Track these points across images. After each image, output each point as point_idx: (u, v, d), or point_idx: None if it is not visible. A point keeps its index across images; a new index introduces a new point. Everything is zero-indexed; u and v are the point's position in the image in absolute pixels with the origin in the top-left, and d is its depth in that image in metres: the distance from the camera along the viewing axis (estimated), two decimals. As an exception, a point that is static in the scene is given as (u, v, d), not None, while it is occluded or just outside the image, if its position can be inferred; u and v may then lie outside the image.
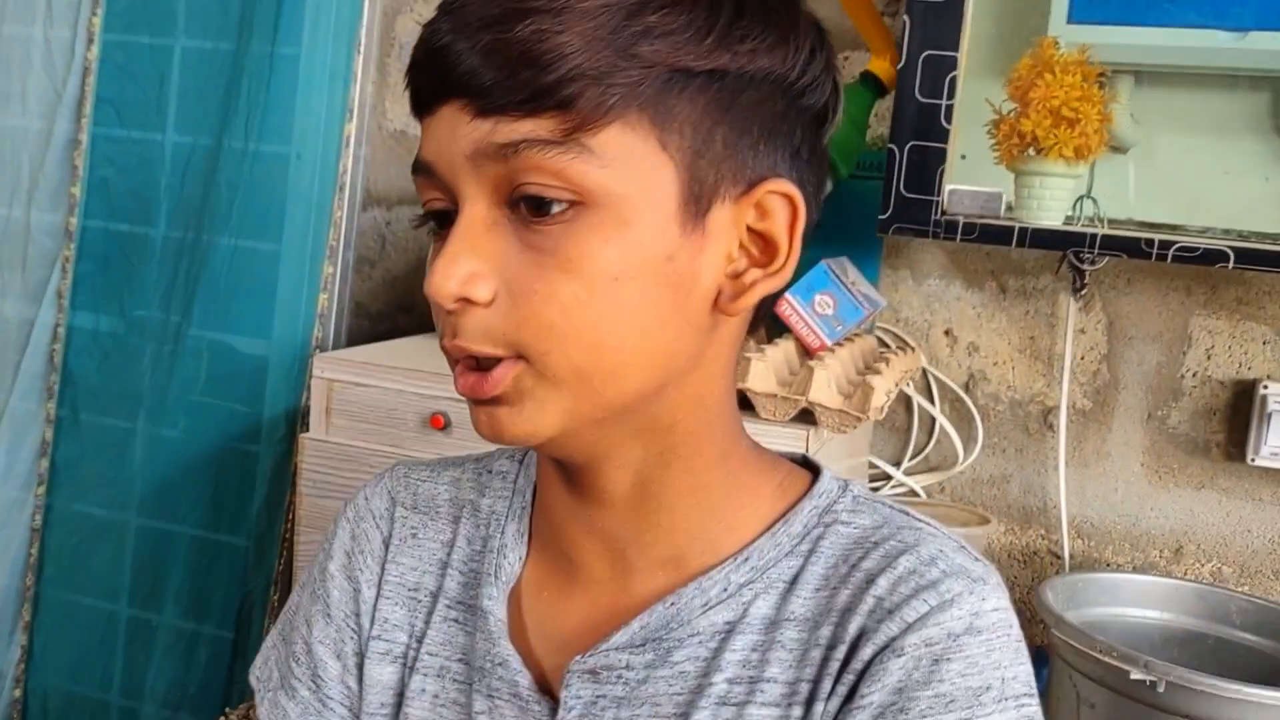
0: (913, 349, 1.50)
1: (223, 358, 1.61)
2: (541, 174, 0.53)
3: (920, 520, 0.62)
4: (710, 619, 0.60)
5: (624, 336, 0.55)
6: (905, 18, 1.21)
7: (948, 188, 1.23)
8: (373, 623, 0.69)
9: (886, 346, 1.48)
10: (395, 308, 1.81)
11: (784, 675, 0.58)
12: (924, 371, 1.53)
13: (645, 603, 0.62)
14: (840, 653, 0.57)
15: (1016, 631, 0.58)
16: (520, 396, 0.56)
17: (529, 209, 0.54)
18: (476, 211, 0.55)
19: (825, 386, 1.15)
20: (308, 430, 1.36)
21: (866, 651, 0.56)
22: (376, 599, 0.69)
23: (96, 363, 1.68)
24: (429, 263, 0.58)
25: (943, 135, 1.20)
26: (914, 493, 1.53)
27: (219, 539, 1.62)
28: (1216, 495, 1.44)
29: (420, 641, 0.68)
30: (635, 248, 0.54)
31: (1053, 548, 1.51)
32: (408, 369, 1.31)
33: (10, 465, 1.72)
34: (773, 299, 0.61)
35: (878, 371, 1.20)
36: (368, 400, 1.32)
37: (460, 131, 0.54)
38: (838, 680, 0.57)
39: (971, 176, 1.29)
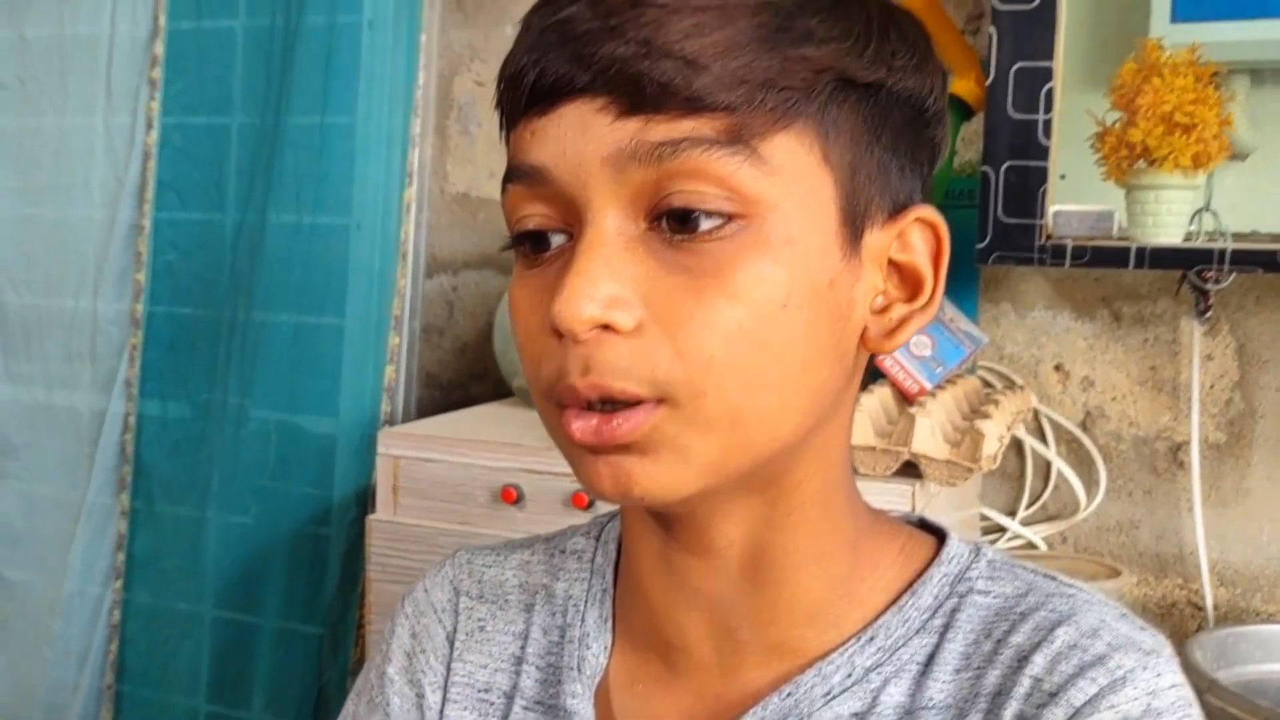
0: (1021, 388, 1.38)
1: (289, 439, 1.55)
2: (702, 180, 0.46)
3: (1072, 586, 0.54)
4: (834, 710, 0.52)
5: (786, 373, 0.48)
6: (991, 29, 1.11)
7: (1051, 209, 1.12)
8: None
9: (992, 387, 1.36)
10: (467, 376, 1.75)
11: None
12: (1035, 412, 1.40)
13: (759, 693, 0.54)
14: None
15: (1198, 710, 0.50)
16: (657, 445, 0.47)
17: (675, 224, 0.47)
18: (610, 225, 0.47)
19: (929, 435, 1.04)
20: (375, 511, 1.29)
21: None
22: (443, 704, 0.62)
23: (167, 451, 1.65)
24: (513, 298, 0.51)
25: (1042, 153, 1.10)
26: (1032, 545, 1.40)
27: (294, 628, 1.55)
28: (1379, 532, 1.29)
29: None
30: (803, 270, 0.48)
31: (1193, 599, 1.36)
32: (476, 440, 1.24)
33: (91, 561, 1.69)
34: None
35: (986, 415, 1.09)
36: (435, 476, 1.25)
37: (596, 131, 0.47)
38: None
39: (1075, 197, 1.19)
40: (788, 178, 0.47)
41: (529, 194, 0.49)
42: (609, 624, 0.59)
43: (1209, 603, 1.33)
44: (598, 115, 0.47)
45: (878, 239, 0.51)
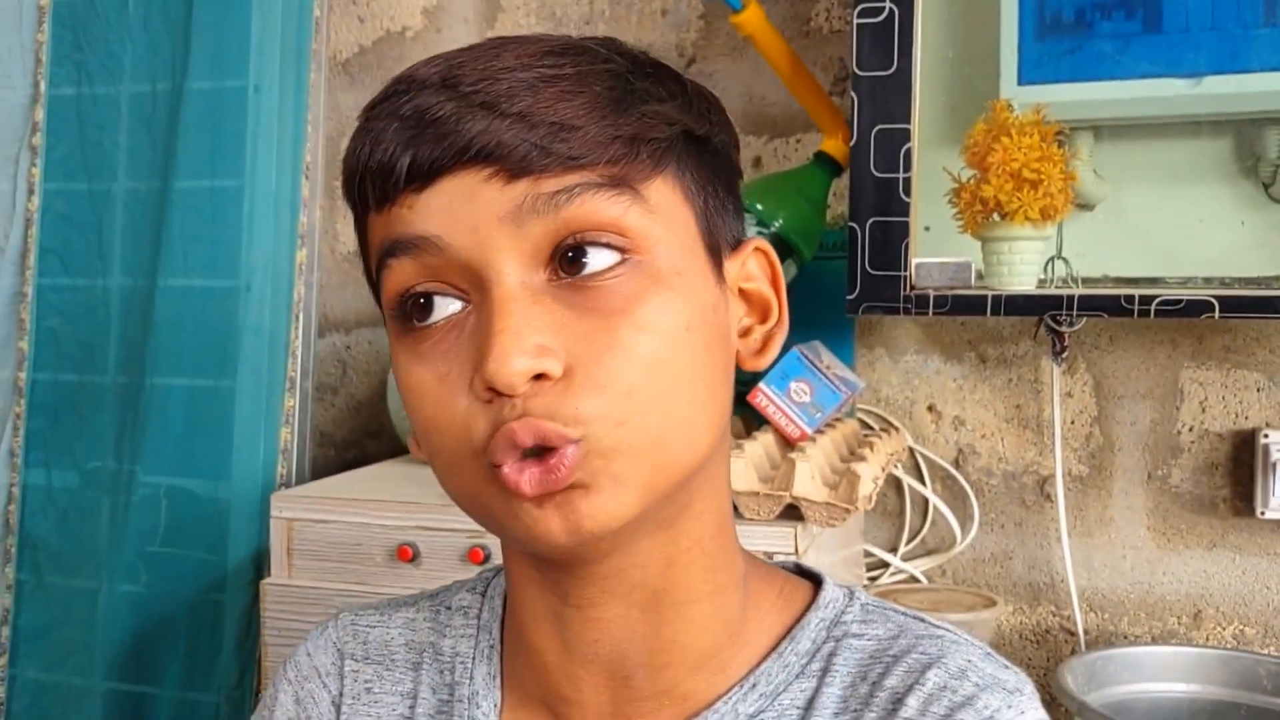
0: (897, 429, 1.44)
1: (182, 504, 1.54)
2: (597, 221, 0.50)
3: (940, 627, 0.57)
4: None
5: (695, 393, 0.51)
6: (853, 94, 1.18)
7: (914, 261, 1.18)
8: None
9: (870, 429, 1.42)
10: (362, 434, 1.75)
11: None
12: (911, 451, 1.47)
13: None
14: None
15: None
16: (595, 477, 0.49)
17: (571, 268, 0.50)
18: (516, 280, 0.50)
19: (809, 479, 1.09)
20: (269, 575, 1.28)
21: None
22: None
23: (54, 521, 1.61)
24: (398, 366, 0.53)
25: (903, 209, 1.17)
26: (914, 579, 1.46)
27: (190, 696, 1.53)
28: (1230, 553, 1.38)
29: None
30: (694, 296, 0.52)
31: (1065, 624, 1.43)
32: (370, 500, 1.25)
33: (-27, 637, 1.64)
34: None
35: (862, 458, 1.14)
36: (330, 537, 1.25)
37: (487, 196, 0.49)
38: None
39: (939, 248, 1.25)
40: (665, 216, 0.52)
41: (416, 265, 0.51)
42: (497, 681, 0.60)
43: (1080, 628, 1.40)
44: (485, 184, 0.49)
45: (730, 269, 0.57)
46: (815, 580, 0.61)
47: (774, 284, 0.59)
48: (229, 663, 1.51)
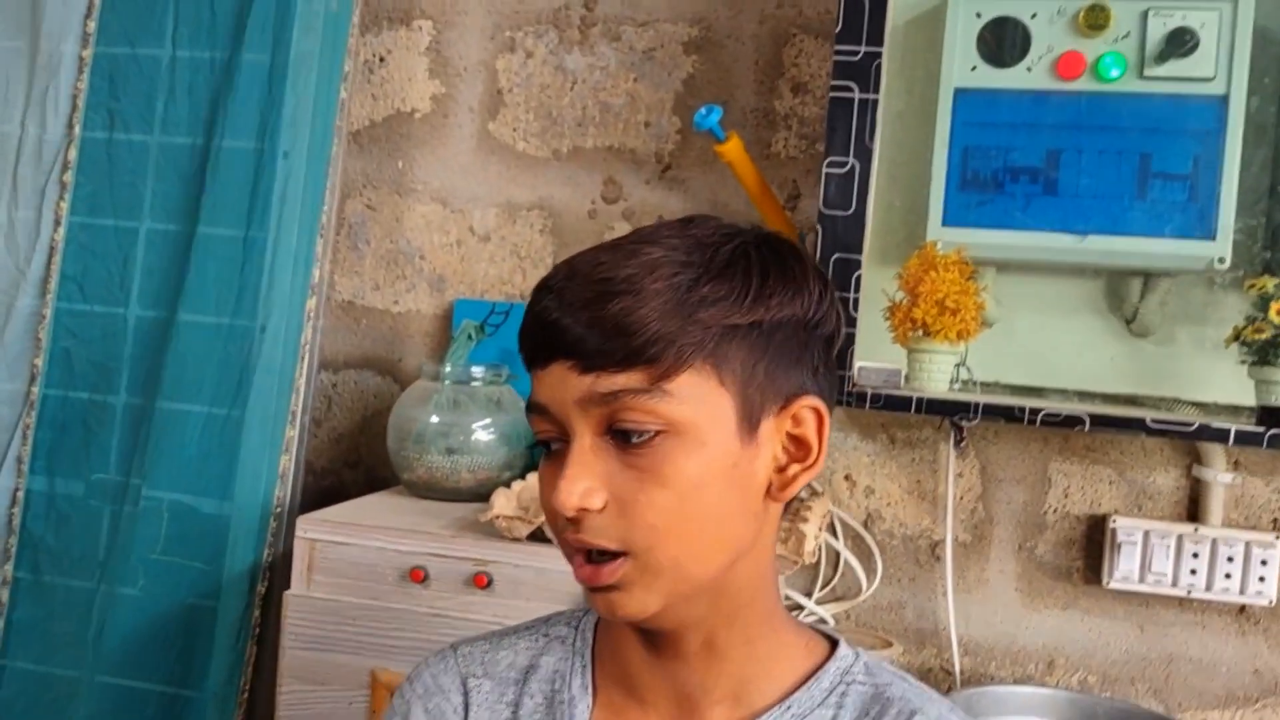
0: (821, 494, 1.71)
1: (183, 519, 1.69)
2: (635, 412, 0.71)
3: (917, 684, 0.80)
4: None
5: (705, 529, 0.72)
6: (818, 226, 1.46)
7: (856, 364, 1.46)
8: None
9: (800, 494, 1.69)
10: (340, 464, 1.94)
11: None
12: (829, 513, 1.74)
13: None
14: None
15: None
16: (629, 584, 0.72)
17: (623, 438, 0.71)
18: (585, 442, 0.72)
19: (765, 536, 1.34)
20: (288, 586, 1.47)
21: None
22: None
23: (55, 525, 1.74)
24: (540, 477, 0.76)
25: (850, 322, 1.44)
26: (824, 620, 1.73)
27: (181, 694, 1.68)
28: (1079, 614, 1.69)
29: None
30: (710, 461, 0.71)
31: (945, 665, 1.72)
32: (387, 527, 1.45)
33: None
34: None
35: (805, 519, 1.41)
36: (349, 557, 1.45)
37: (570, 383, 0.72)
38: None
39: (867, 349, 1.53)
40: (693, 401, 0.70)
41: (539, 418, 0.75)
42: (589, 690, 0.82)
43: (957, 668, 1.69)
44: (570, 372, 0.72)
45: (773, 424, 0.73)
46: (831, 640, 0.84)
47: (819, 433, 0.75)
48: (219, 664, 1.67)
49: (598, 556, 0.72)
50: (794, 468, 0.75)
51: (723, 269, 0.73)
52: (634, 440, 0.71)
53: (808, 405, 0.75)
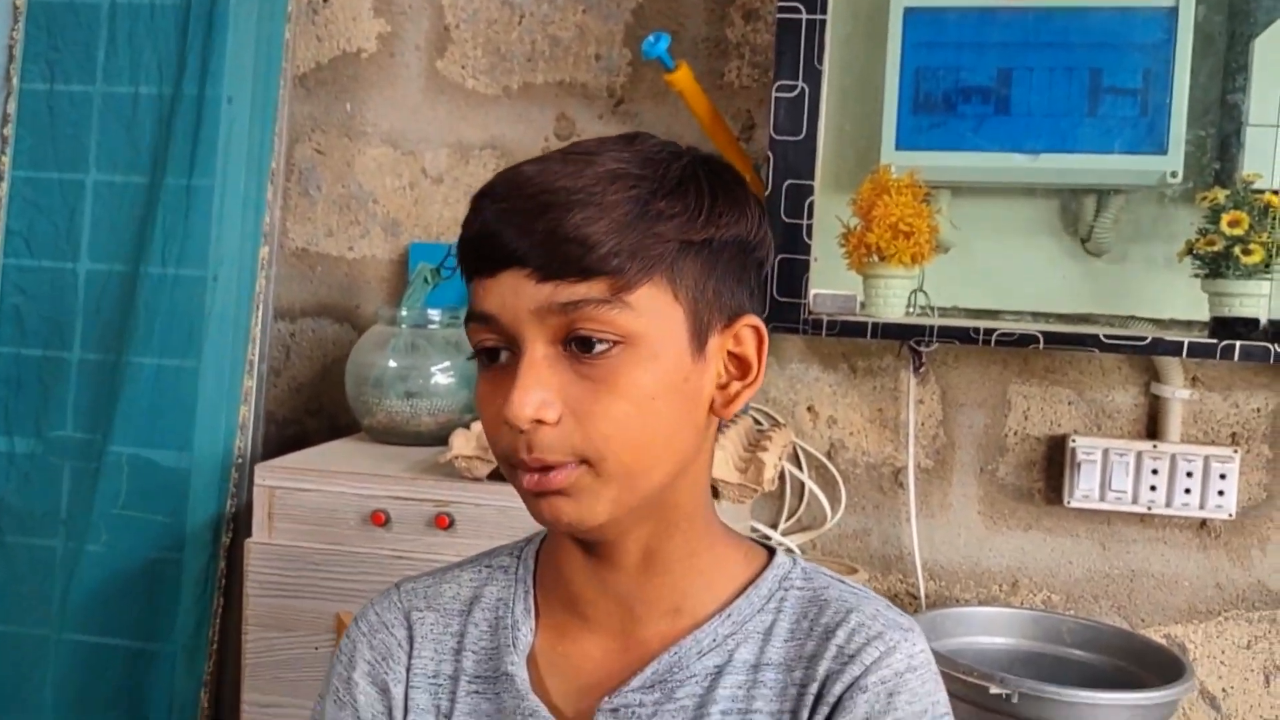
0: (783, 425, 1.72)
1: (143, 473, 1.68)
2: (594, 323, 0.70)
3: (853, 585, 0.81)
4: (704, 663, 0.77)
5: (656, 440, 0.72)
6: (769, 153, 1.44)
7: (812, 292, 1.46)
8: (406, 711, 0.82)
9: (761, 425, 1.70)
10: (302, 412, 1.93)
11: (768, 708, 0.76)
12: (793, 444, 1.75)
13: (650, 644, 0.78)
14: (813, 689, 0.75)
15: (935, 666, 0.78)
16: (578, 491, 0.72)
17: (580, 348, 0.71)
18: (537, 352, 0.71)
19: (725, 464, 1.35)
20: (251, 535, 1.47)
21: (837, 689, 0.74)
22: (407, 690, 0.83)
23: (16, 485, 1.73)
24: (479, 393, 0.75)
25: (805, 249, 1.44)
26: (791, 550, 1.74)
27: (149, 647, 1.68)
28: (1041, 534, 1.70)
29: (449, 717, 0.81)
30: (663, 374, 0.72)
31: (910, 589, 1.74)
32: (347, 472, 1.45)
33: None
34: None
35: (765, 448, 1.41)
36: (310, 503, 1.44)
37: (525, 292, 0.71)
38: (814, 710, 0.75)
39: (824, 278, 1.53)
40: (650, 315, 0.70)
41: (484, 328, 0.74)
42: (531, 613, 0.82)
43: (922, 592, 1.71)
44: (525, 280, 0.71)
45: (718, 341, 0.74)
46: (769, 549, 0.84)
47: (759, 351, 0.76)
48: (186, 616, 1.67)
49: (544, 467, 0.72)
50: (735, 385, 0.76)
51: (676, 186, 0.73)
52: (592, 351, 0.71)
53: (748, 324, 0.76)
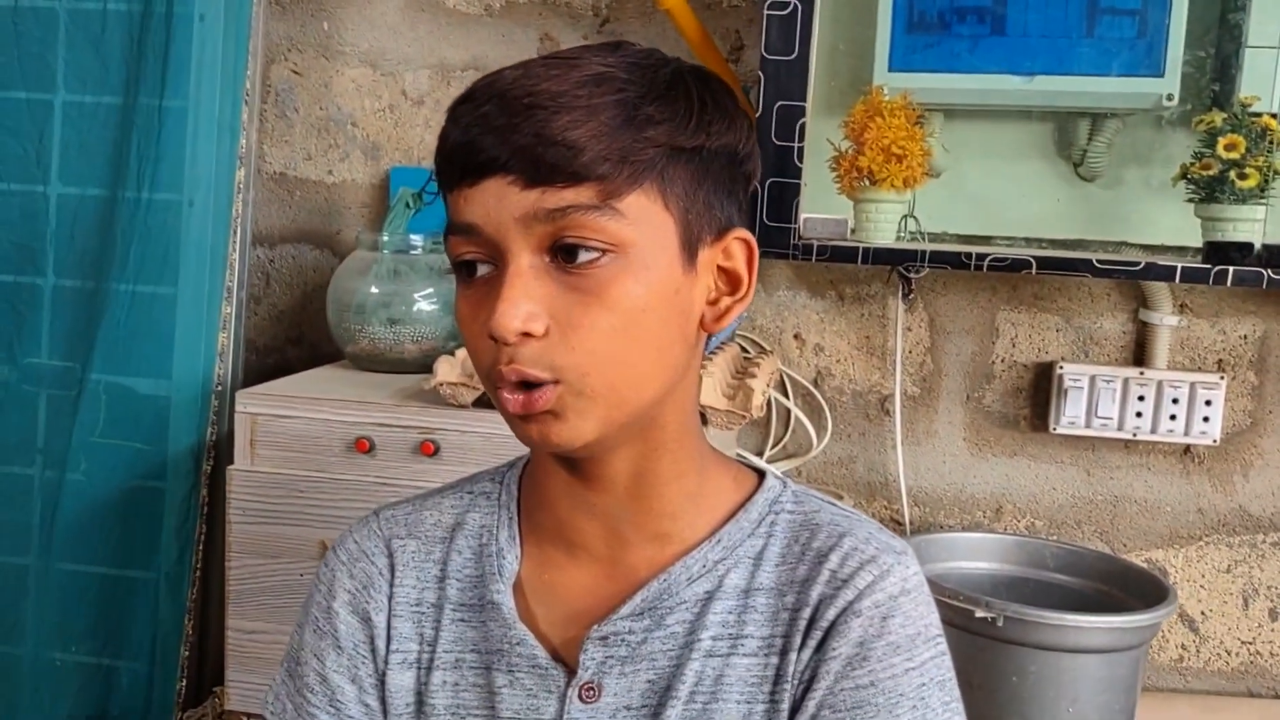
0: (770, 352, 1.70)
1: (123, 400, 1.66)
2: (583, 230, 0.67)
3: (845, 508, 0.80)
4: (694, 589, 0.76)
5: (646, 355, 0.70)
6: (760, 74, 1.41)
7: (802, 216, 1.43)
8: (389, 640, 0.80)
9: (748, 352, 1.68)
10: (283, 340, 1.90)
11: (759, 632, 0.75)
12: (779, 371, 1.74)
13: (638, 570, 0.77)
14: (806, 614, 0.74)
15: (927, 589, 0.76)
16: (564, 410, 0.69)
17: (567, 258, 0.68)
18: (523, 263, 0.68)
19: (713, 391, 1.33)
20: (232, 463, 1.45)
21: (830, 613, 0.73)
22: (389, 619, 0.81)
23: (-9, 413, 1.71)
24: (459, 307, 0.72)
25: (796, 173, 1.41)
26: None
27: (130, 575, 1.67)
28: (1026, 461, 1.71)
29: (433, 645, 0.79)
30: (654, 285, 0.69)
31: (895, 516, 1.74)
32: (331, 399, 1.43)
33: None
34: None
35: (753, 375, 1.40)
36: (292, 431, 1.42)
37: (510, 199, 0.68)
38: (806, 635, 0.73)
39: (813, 201, 1.51)
40: (641, 223, 0.67)
41: (465, 240, 0.70)
42: (517, 540, 0.80)
43: (907, 519, 1.72)
44: (510, 187, 0.68)
45: (708, 254, 0.71)
46: (759, 472, 0.83)
47: (749, 265, 0.73)
48: (169, 544, 1.66)
49: (526, 387, 0.69)
50: (726, 300, 0.74)
51: (664, 90, 0.70)
52: (580, 260, 0.68)
53: (738, 237, 0.74)
